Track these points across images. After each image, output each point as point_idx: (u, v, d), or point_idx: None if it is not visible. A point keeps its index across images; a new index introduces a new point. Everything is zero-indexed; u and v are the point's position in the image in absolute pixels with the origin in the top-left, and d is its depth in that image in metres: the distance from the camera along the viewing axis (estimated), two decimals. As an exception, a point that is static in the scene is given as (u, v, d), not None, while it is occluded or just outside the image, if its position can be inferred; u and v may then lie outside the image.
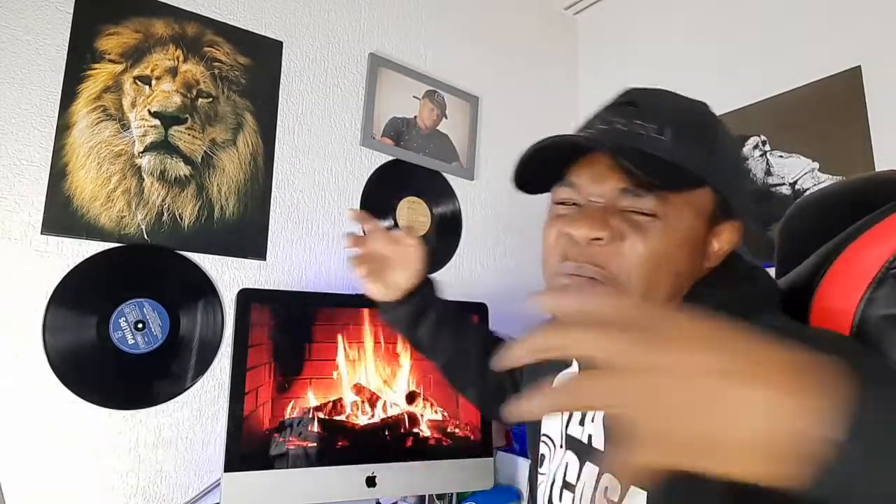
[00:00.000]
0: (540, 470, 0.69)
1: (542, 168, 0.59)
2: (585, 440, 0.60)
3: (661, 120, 0.55)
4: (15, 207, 1.10)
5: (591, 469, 0.58)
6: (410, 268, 0.86)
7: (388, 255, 0.85)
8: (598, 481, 0.56)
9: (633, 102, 0.57)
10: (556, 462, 0.65)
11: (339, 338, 1.25)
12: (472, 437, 1.29)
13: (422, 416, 1.28)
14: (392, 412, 1.26)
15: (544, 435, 0.69)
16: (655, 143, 0.54)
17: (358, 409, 1.23)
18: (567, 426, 0.64)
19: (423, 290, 0.88)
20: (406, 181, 1.60)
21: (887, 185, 0.65)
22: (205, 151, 1.30)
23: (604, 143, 0.54)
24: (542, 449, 0.69)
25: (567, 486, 0.62)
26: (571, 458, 0.62)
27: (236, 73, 1.36)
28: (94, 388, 1.13)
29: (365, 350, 1.27)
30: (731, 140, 0.61)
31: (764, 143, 1.48)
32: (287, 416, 1.16)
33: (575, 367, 0.66)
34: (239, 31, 1.38)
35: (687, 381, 0.28)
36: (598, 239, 0.54)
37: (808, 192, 0.75)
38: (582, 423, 0.62)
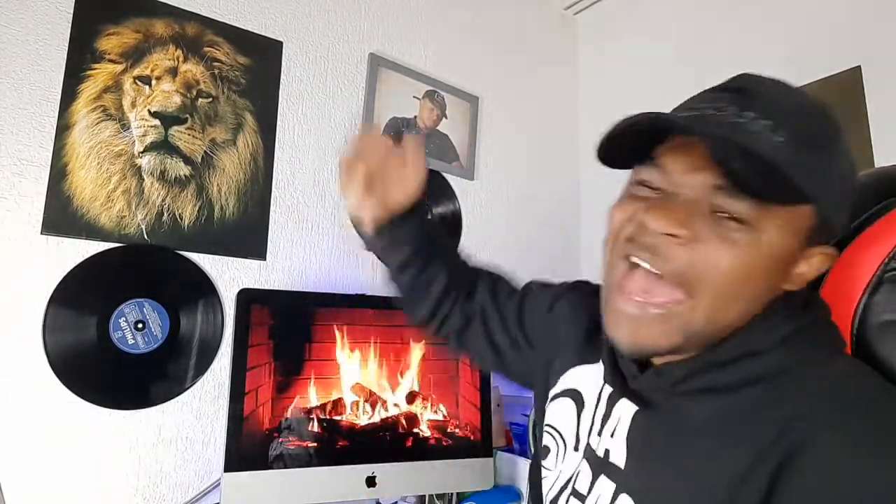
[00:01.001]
0: (544, 463, 0.67)
1: (628, 142, 0.51)
2: (602, 454, 0.58)
3: (778, 117, 0.46)
4: (15, 207, 1.10)
5: (606, 484, 0.56)
6: (407, 190, 0.77)
7: (387, 170, 0.75)
8: (614, 499, 0.55)
9: (746, 90, 0.49)
10: (570, 466, 0.63)
11: (339, 338, 1.24)
12: (471, 437, 1.29)
13: (422, 416, 1.28)
14: (392, 412, 1.26)
15: (549, 426, 0.67)
16: (768, 142, 0.45)
17: (358, 409, 1.23)
18: (589, 434, 0.62)
19: (417, 217, 0.79)
20: (406, 181, 1.60)
21: (889, 180, 0.64)
22: (205, 151, 1.30)
23: (711, 132, 0.46)
24: (548, 440, 0.67)
25: (577, 494, 0.60)
26: (585, 467, 0.60)
27: (236, 73, 1.36)
28: (94, 388, 1.13)
29: (365, 350, 1.27)
30: (849, 155, 0.51)
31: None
32: (287, 416, 1.16)
33: (600, 366, 0.63)
34: (239, 31, 1.38)
35: None
36: (673, 235, 0.47)
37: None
38: (600, 433, 0.60)
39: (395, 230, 0.77)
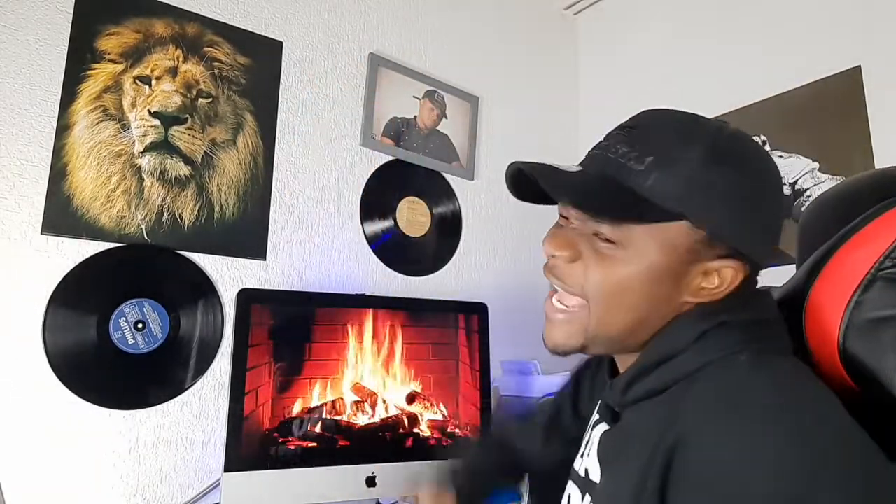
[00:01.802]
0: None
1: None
2: (584, 473, 0.62)
3: (648, 147, 0.53)
4: (15, 207, 1.10)
5: (587, 501, 0.60)
6: None
7: None
8: None
9: (635, 126, 0.56)
10: (565, 495, 0.66)
11: (339, 338, 1.24)
12: (471, 438, 1.28)
13: (422, 416, 1.28)
14: (392, 412, 1.26)
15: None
16: (630, 171, 0.52)
17: (358, 409, 1.23)
18: (573, 460, 0.67)
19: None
20: (406, 181, 1.60)
21: (887, 182, 0.64)
22: (205, 151, 1.30)
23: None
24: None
25: None
26: (573, 489, 0.64)
27: (236, 73, 1.36)
28: (94, 388, 1.13)
29: (365, 350, 1.26)
30: (737, 173, 0.52)
31: (764, 143, 1.48)
32: (287, 416, 1.16)
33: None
34: (239, 31, 1.38)
35: None
36: (556, 256, 0.57)
37: (825, 191, 0.73)
38: (582, 455, 0.64)
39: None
